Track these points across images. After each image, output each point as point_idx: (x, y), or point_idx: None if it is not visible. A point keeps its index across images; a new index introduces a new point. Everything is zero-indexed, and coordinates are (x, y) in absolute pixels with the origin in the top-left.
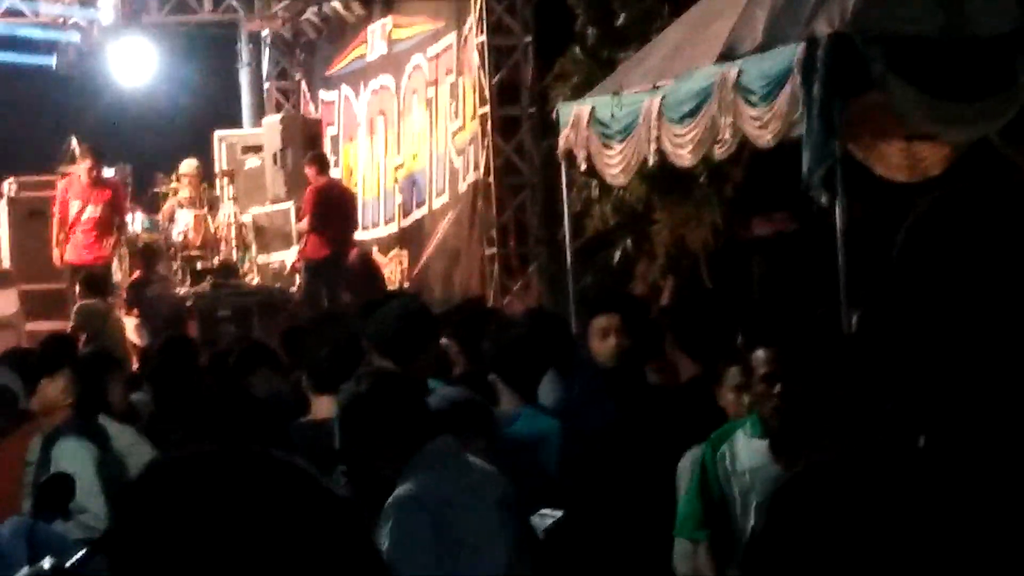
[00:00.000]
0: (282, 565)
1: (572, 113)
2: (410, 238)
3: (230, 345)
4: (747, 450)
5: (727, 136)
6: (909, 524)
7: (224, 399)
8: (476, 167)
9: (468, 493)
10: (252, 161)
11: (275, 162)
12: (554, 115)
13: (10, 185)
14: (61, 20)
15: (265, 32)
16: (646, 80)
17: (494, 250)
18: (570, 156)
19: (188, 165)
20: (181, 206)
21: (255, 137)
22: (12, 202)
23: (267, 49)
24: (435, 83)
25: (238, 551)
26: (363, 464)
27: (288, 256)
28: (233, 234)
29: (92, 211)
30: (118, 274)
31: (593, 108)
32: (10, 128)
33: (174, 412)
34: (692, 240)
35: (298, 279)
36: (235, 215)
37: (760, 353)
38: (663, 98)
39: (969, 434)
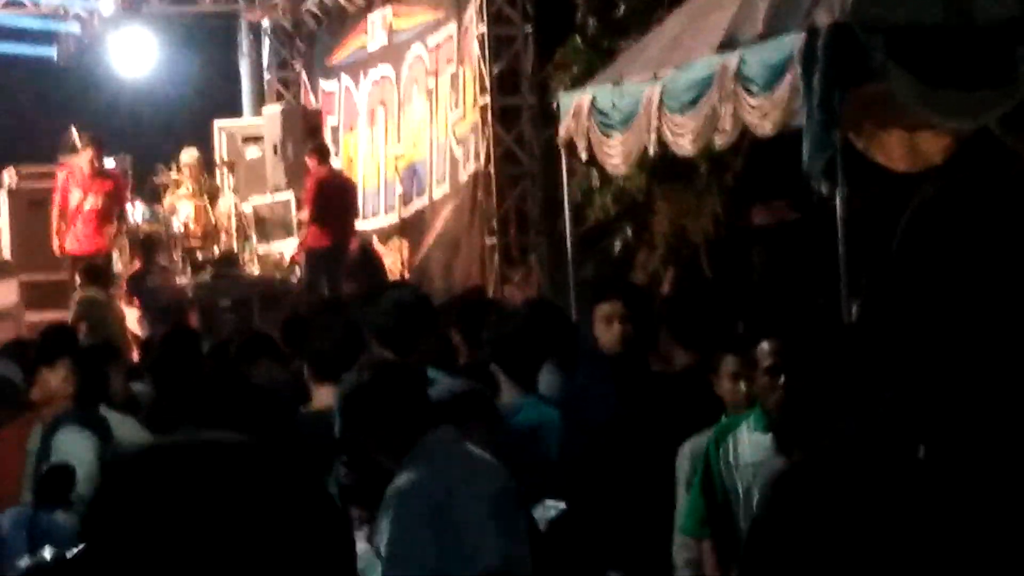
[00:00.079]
0: (248, 552)
1: (572, 103)
2: (410, 228)
3: (231, 335)
4: (750, 444)
5: (727, 126)
6: (906, 514)
7: (225, 388)
8: (476, 157)
9: (468, 483)
10: (252, 151)
11: (275, 152)
12: (555, 105)
13: (10, 175)
14: (62, 11)
15: (265, 22)
16: (647, 70)
17: (494, 240)
18: (570, 146)
19: (189, 155)
20: (180, 199)
21: (255, 127)
22: (12, 192)
23: (267, 39)
24: (435, 73)
25: (204, 540)
26: (363, 454)
27: (288, 246)
28: (234, 224)
29: (93, 201)
30: (118, 265)
31: (594, 98)
32: (10, 118)
33: (175, 402)
34: (692, 230)
35: (298, 270)
36: (236, 205)
37: (764, 345)
38: (664, 88)
39: (968, 427)
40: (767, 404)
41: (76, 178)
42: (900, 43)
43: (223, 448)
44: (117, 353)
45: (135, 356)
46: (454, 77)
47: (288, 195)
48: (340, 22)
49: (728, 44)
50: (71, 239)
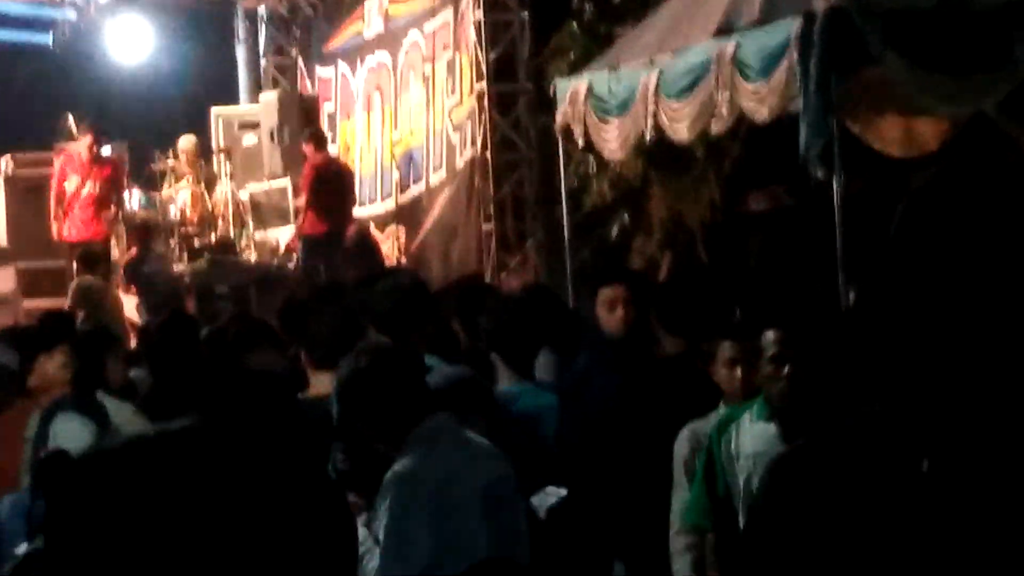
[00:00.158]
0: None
1: (569, 89)
2: (407, 214)
3: (228, 322)
4: (751, 435)
5: (724, 111)
6: (903, 499)
7: (222, 375)
8: (473, 143)
9: (467, 470)
10: (249, 138)
11: (272, 139)
12: (551, 91)
13: (7, 163)
14: None
15: (261, 9)
16: (643, 55)
17: (491, 226)
18: (567, 132)
19: (186, 141)
20: (178, 182)
21: (252, 114)
22: (8, 180)
23: (263, 26)
24: (432, 59)
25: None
26: (361, 440)
27: (284, 233)
28: (230, 211)
29: (91, 187)
30: (115, 252)
31: (590, 83)
32: (6, 105)
33: (172, 389)
34: (689, 215)
35: (295, 257)
36: (232, 192)
37: (769, 334)
38: (660, 73)
39: (965, 418)
40: (770, 393)
41: (74, 164)
42: (897, 28)
43: (219, 434)
44: (115, 339)
45: (133, 342)
46: (450, 63)
47: (285, 182)
48: (336, 9)
49: (725, 30)
50: (69, 226)
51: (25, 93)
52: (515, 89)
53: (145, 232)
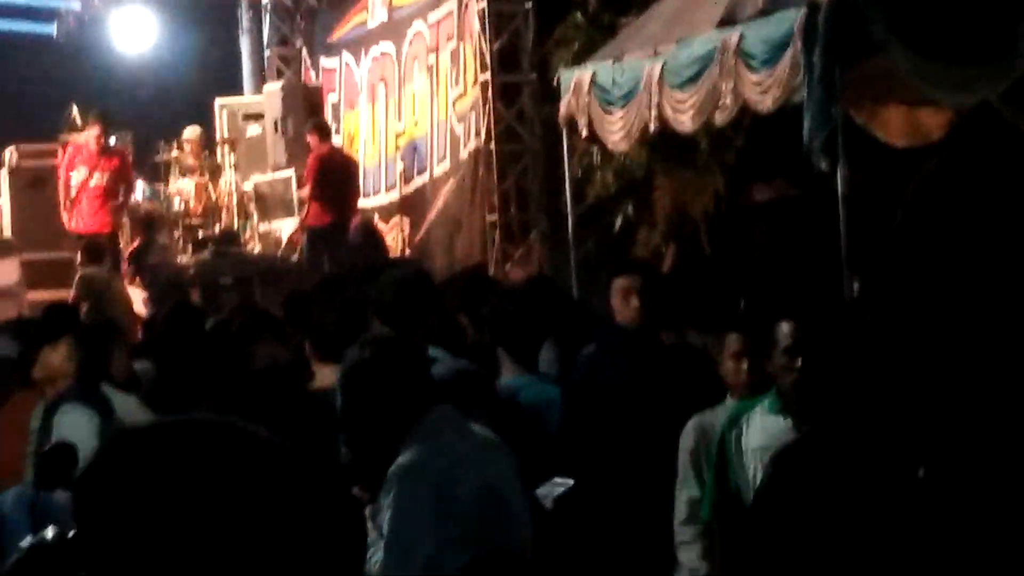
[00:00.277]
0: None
1: (573, 79)
2: (411, 205)
3: (232, 313)
4: (761, 427)
5: (728, 102)
6: (903, 491)
7: (224, 369)
8: (477, 134)
9: (472, 462)
10: (253, 129)
11: (276, 130)
12: (555, 81)
13: (11, 154)
14: None
15: None
16: (647, 46)
17: (495, 217)
18: (571, 122)
19: (191, 131)
20: (183, 174)
21: (256, 105)
22: (13, 171)
23: (268, 16)
24: (436, 50)
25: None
26: (365, 432)
27: (287, 225)
28: (234, 202)
29: (99, 179)
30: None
31: (594, 74)
32: (10, 97)
33: (177, 380)
34: (693, 206)
35: (300, 248)
36: (236, 183)
37: (784, 326)
38: (664, 64)
39: (967, 407)
40: (783, 385)
41: (83, 155)
42: (901, 18)
43: (224, 429)
44: (119, 331)
45: (138, 334)
46: (454, 53)
47: (289, 173)
48: None
49: (729, 20)
50: (76, 218)
51: (29, 84)
52: (519, 80)
53: (148, 223)
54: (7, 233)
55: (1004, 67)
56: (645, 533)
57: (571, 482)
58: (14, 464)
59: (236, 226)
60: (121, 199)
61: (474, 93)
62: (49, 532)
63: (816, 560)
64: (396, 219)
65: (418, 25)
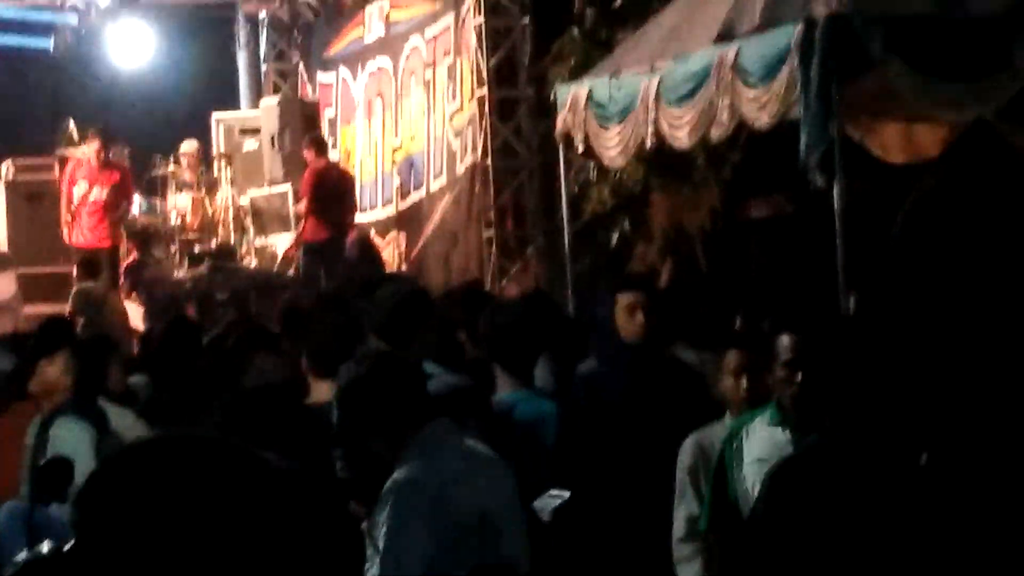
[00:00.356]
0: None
1: (570, 94)
2: (408, 220)
3: (228, 328)
4: (759, 440)
5: (724, 118)
6: (901, 504)
7: (220, 384)
8: (474, 149)
9: (467, 477)
10: (250, 143)
11: (273, 144)
12: (552, 97)
13: (7, 168)
14: (58, 2)
15: (262, 14)
16: (644, 61)
17: (492, 232)
18: (568, 138)
19: (189, 145)
20: (180, 189)
21: (253, 119)
22: (10, 185)
23: (264, 31)
24: (433, 65)
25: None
26: (361, 447)
27: (283, 240)
28: (231, 217)
29: (99, 193)
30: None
31: (591, 89)
32: (7, 111)
33: (173, 395)
34: (689, 222)
35: (296, 263)
36: (233, 198)
37: (784, 339)
38: (661, 80)
39: (965, 419)
40: (783, 398)
41: (84, 169)
42: (898, 34)
43: (224, 447)
44: (115, 345)
45: (134, 348)
46: (451, 69)
47: (285, 187)
48: (337, 14)
49: (725, 36)
50: (76, 232)
51: (26, 98)
52: (516, 95)
53: (144, 238)
54: (3, 247)
55: (1000, 84)
56: (643, 547)
57: (567, 494)
58: (10, 478)
59: (232, 241)
60: (120, 213)
61: (471, 108)
62: (45, 546)
63: (813, 573)
64: (393, 234)
65: (415, 40)
